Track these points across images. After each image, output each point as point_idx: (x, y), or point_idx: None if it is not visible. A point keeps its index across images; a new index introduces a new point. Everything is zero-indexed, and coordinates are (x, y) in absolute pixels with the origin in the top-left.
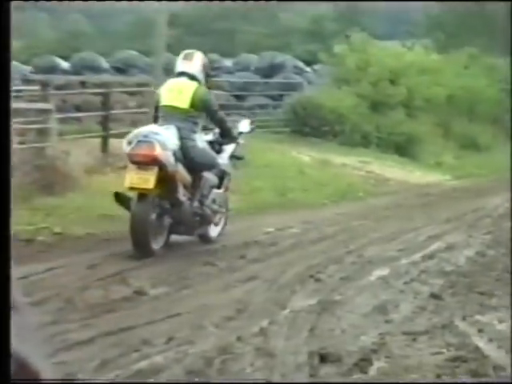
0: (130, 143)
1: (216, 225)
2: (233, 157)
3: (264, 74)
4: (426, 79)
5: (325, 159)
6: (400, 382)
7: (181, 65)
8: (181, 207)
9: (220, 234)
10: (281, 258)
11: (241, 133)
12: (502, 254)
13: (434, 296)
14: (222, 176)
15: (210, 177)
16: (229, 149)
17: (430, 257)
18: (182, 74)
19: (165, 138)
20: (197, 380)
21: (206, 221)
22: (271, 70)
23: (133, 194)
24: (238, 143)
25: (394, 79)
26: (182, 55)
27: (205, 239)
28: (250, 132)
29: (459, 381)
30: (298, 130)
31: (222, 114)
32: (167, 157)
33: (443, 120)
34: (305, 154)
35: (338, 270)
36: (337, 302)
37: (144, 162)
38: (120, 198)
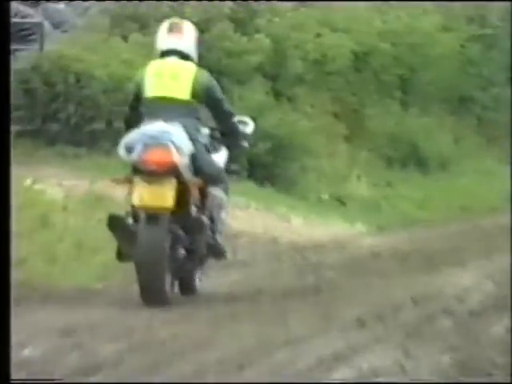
0: (130, 148)
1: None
2: (226, 169)
3: None
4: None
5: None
6: (400, 381)
7: (167, 40)
8: (202, 231)
9: (200, 280)
10: None
11: (244, 134)
12: None
13: None
14: (226, 194)
15: (219, 195)
16: (222, 156)
17: None
18: (170, 52)
19: (180, 140)
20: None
21: (218, 255)
22: None
23: (128, 215)
24: (241, 148)
25: None
26: (166, 26)
27: (188, 288)
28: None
29: (459, 381)
30: (33, 130)
31: (228, 104)
32: (185, 165)
33: (349, 104)
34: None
35: None
36: None
37: (157, 173)
38: (117, 224)
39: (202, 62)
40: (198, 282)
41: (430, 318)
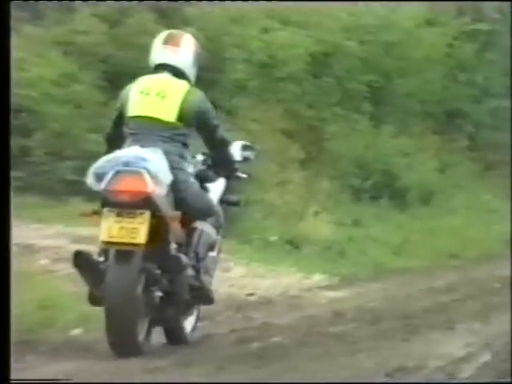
0: (99, 176)
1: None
2: (224, 200)
3: None
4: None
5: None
6: (399, 381)
7: (161, 52)
8: (180, 272)
9: (194, 329)
10: None
11: (241, 161)
12: None
13: None
14: (218, 230)
15: (207, 230)
16: (218, 187)
17: None
18: (163, 66)
19: (156, 167)
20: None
21: (202, 299)
22: None
23: (98, 253)
24: (237, 177)
25: None
26: (162, 37)
27: (175, 337)
28: (250, 160)
29: (459, 381)
30: None
31: (222, 131)
32: (162, 196)
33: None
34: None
35: None
36: None
37: (130, 204)
38: (84, 262)
39: (114, 62)
40: (188, 331)
41: None
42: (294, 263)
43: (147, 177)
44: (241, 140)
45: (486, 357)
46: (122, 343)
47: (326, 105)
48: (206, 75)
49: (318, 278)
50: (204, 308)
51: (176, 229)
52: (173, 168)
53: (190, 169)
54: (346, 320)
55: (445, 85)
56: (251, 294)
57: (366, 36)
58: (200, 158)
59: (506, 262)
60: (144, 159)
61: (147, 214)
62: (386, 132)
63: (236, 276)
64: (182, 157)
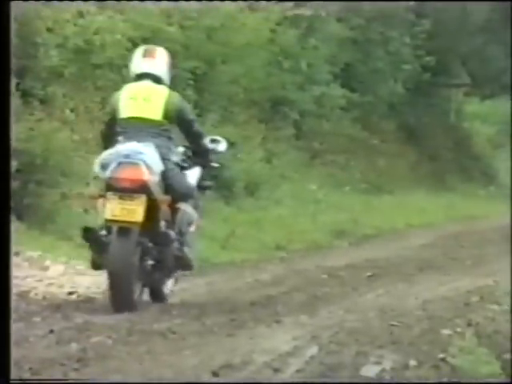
0: (104, 166)
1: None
2: (200, 186)
3: None
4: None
5: None
6: (398, 381)
7: (141, 64)
8: (169, 245)
9: (171, 291)
10: None
11: (215, 152)
12: None
13: None
14: (196, 210)
15: (188, 210)
16: (195, 174)
17: None
18: (144, 75)
19: (151, 159)
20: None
21: (185, 266)
22: None
23: (101, 228)
24: (211, 166)
25: None
26: (140, 51)
27: (157, 296)
28: (221, 152)
29: (459, 381)
30: None
31: (198, 126)
32: (155, 183)
33: None
34: None
35: None
36: None
37: (129, 189)
38: (91, 236)
39: None
40: (167, 291)
41: None
42: None
43: (144, 167)
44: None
45: (313, 350)
46: (121, 301)
47: None
48: (17, 62)
49: None
50: (19, 308)
51: (165, 209)
52: (163, 159)
53: (175, 158)
54: (171, 316)
55: (269, 72)
56: (71, 293)
57: (187, 21)
58: (181, 149)
59: (332, 253)
60: (141, 152)
61: (144, 198)
62: (210, 121)
63: (54, 275)
64: (168, 149)
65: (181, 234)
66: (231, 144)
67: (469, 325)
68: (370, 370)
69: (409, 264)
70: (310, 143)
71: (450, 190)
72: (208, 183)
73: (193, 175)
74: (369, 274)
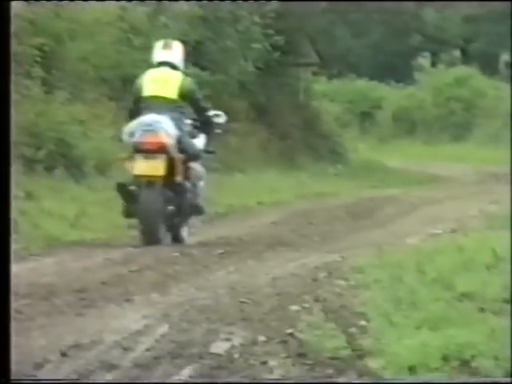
0: (132, 134)
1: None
2: (205, 150)
3: None
4: None
5: None
6: (399, 381)
7: (161, 54)
8: (185, 194)
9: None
10: None
11: (218, 124)
12: None
13: None
14: (203, 167)
15: (197, 168)
16: (201, 139)
17: None
18: (163, 63)
19: (168, 127)
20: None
21: (198, 212)
22: None
23: (131, 183)
24: (215, 134)
25: None
26: (160, 44)
27: (177, 239)
28: (222, 123)
29: (459, 381)
30: None
31: (204, 102)
32: (172, 145)
33: None
34: None
35: None
36: None
37: (152, 151)
38: (123, 189)
39: None
40: (185, 235)
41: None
42: None
43: (163, 133)
44: None
45: (163, 328)
46: (151, 238)
47: None
48: None
49: None
50: None
51: (180, 167)
52: (177, 127)
53: (186, 128)
54: (18, 297)
55: (119, 49)
56: None
57: None
58: (189, 121)
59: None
60: (160, 122)
61: (164, 157)
62: (59, 98)
63: None
64: (181, 120)
65: (193, 186)
66: (80, 122)
67: (316, 300)
68: (219, 347)
69: (259, 241)
70: None
71: (300, 168)
72: (212, 148)
73: (200, 141)
74: (220, 251)
